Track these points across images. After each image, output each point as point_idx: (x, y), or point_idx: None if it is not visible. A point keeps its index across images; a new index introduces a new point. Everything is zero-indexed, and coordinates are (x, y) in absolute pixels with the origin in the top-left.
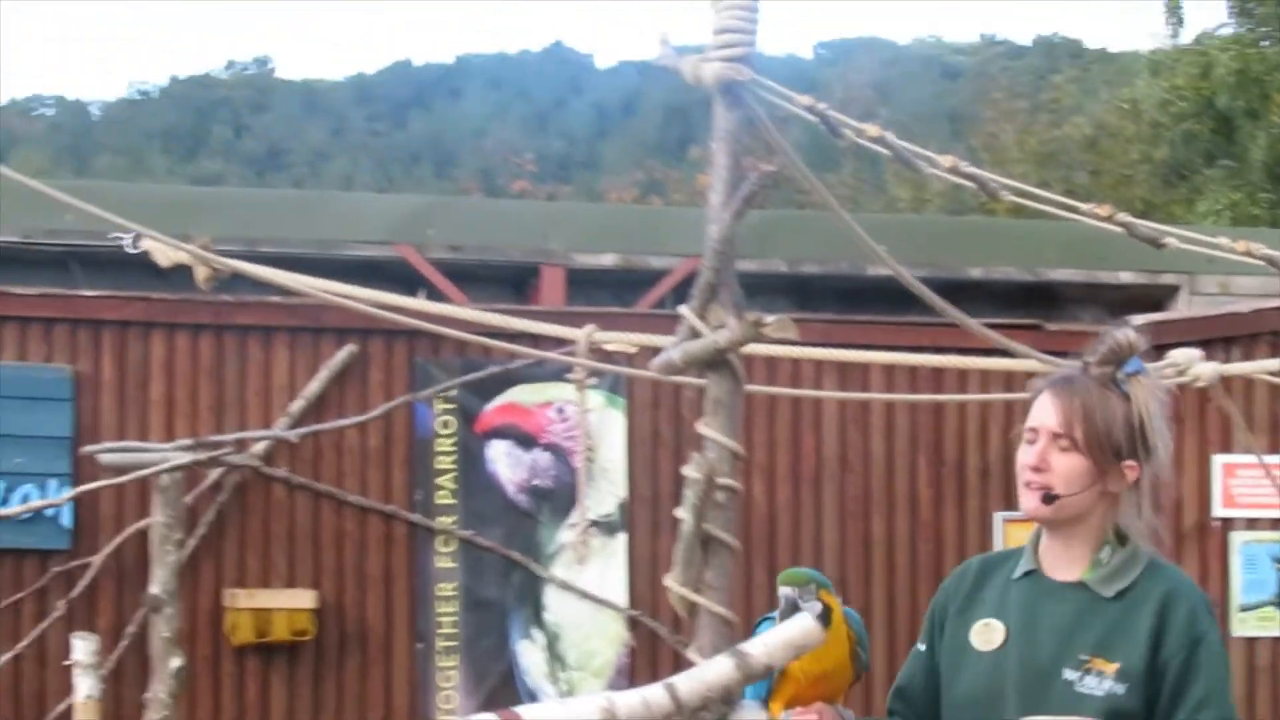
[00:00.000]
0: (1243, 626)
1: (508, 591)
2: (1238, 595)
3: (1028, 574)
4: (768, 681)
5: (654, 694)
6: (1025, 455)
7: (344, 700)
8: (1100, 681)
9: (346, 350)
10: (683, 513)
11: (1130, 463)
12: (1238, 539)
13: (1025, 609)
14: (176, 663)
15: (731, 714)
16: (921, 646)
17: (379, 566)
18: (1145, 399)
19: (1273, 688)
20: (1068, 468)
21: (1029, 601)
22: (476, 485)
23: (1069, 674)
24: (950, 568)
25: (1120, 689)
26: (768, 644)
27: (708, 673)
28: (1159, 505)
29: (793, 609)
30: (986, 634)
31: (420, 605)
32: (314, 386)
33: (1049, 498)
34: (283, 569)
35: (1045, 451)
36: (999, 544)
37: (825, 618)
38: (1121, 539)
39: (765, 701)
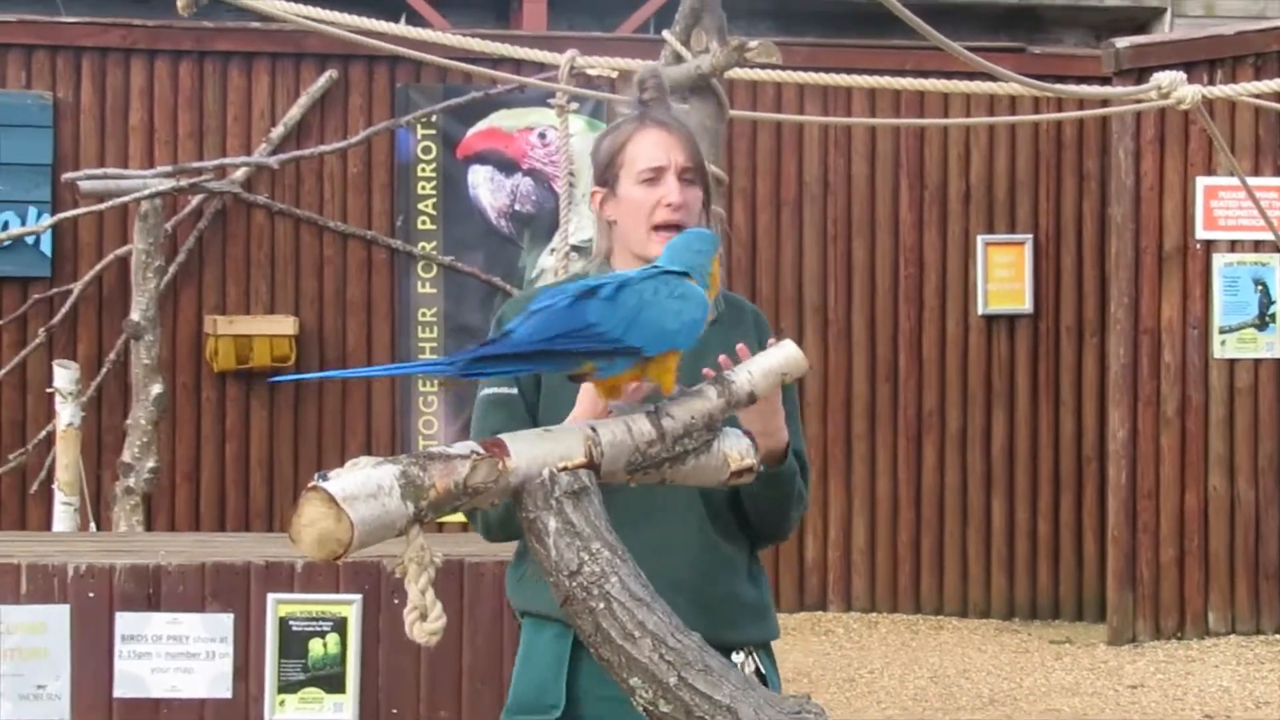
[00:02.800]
0: (1223, 349)
1: (488, 316)
2: (1218, 317)
3: None
4: None
5: (638, 423)
6: (655, 193)
7: (324, 425)
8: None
9: (327, 76)
10: None
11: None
12: (1219, 261)
13: None
14: (157, 389)
15: (716, 440)
16: (510, 390)
17: (360, 292)
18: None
19: (1253, 410)
20: (695, 201)
21: None
22: (457, 210)
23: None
24: (931, 291)
25: None
26: (751, 371)
27: (692, 401)
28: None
29: None
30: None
31: (401, 330)
32: (294, 112)
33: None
34: (264, 295)
35: (679, 188)
36: (980, 266)
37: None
38: None
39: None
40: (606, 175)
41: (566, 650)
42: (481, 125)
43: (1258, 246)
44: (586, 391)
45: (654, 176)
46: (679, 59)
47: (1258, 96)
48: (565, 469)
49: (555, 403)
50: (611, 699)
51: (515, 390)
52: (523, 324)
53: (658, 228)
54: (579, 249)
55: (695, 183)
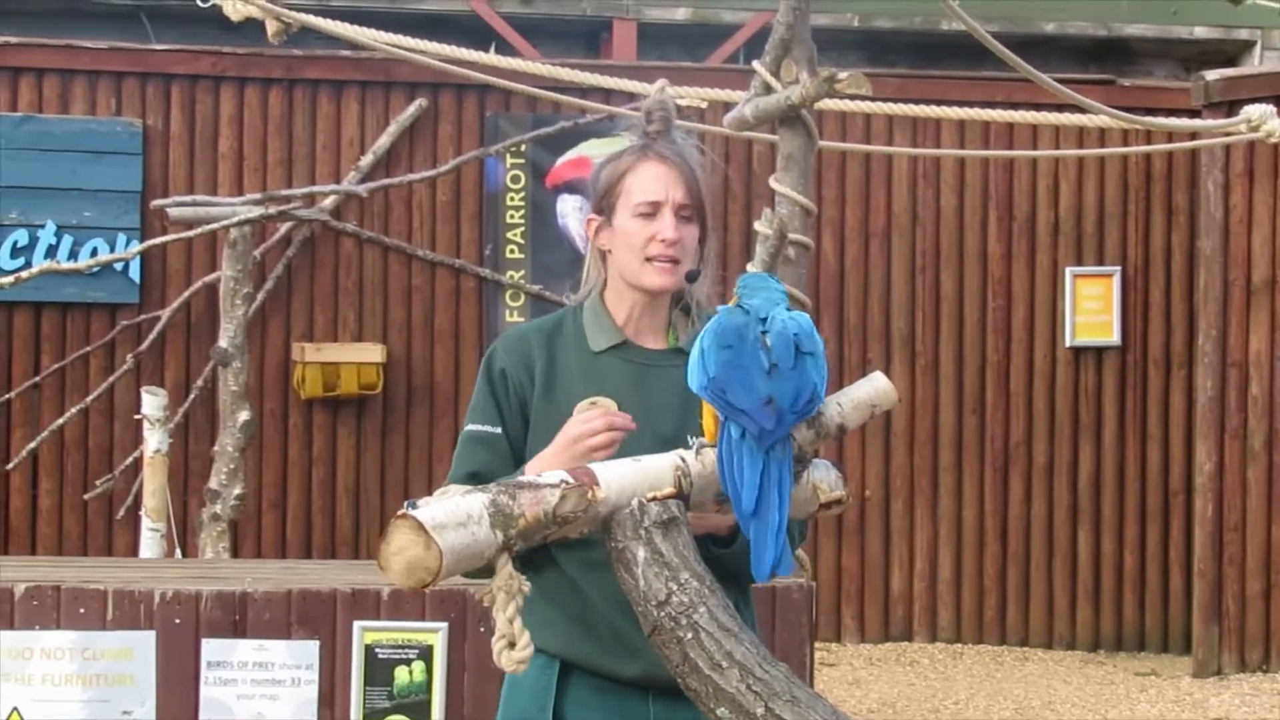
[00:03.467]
0: None
1: None
2: None
3: (616, 346)
4: None
5: None
6: (651, 228)
7: (410, 453)
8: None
9: (416, 104)
10: (754, 268)
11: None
12: None
13: (634, 382)
14: (244, 416)
15: (805, 471)
16: (495, 430)
17: (447, 320)
18: (704, 163)
19: None
20: (691, 239)
21: (635, 374)
22: (545, 239)
23: (692, 441)
24: (1019, 323)
25: None
26: (840, 404)
27: None
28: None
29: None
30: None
31: None
32: (384, 141)
33: (692, 276)
34: (351, 323)
35: (675, 224)
36: (1069, 299)
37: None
38: (675, 296)
39: None
40: (603, 204)
41: (553, 681)
42: (570, 154)
43: None
44: (567, 429)
45: (651, 211)
46: (769, 90)
47: None
48: (655, 499)
49: (545, 440)
50: None
51: (500, 430)
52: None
53: (651, 259)
54: None
55: (692, 219)
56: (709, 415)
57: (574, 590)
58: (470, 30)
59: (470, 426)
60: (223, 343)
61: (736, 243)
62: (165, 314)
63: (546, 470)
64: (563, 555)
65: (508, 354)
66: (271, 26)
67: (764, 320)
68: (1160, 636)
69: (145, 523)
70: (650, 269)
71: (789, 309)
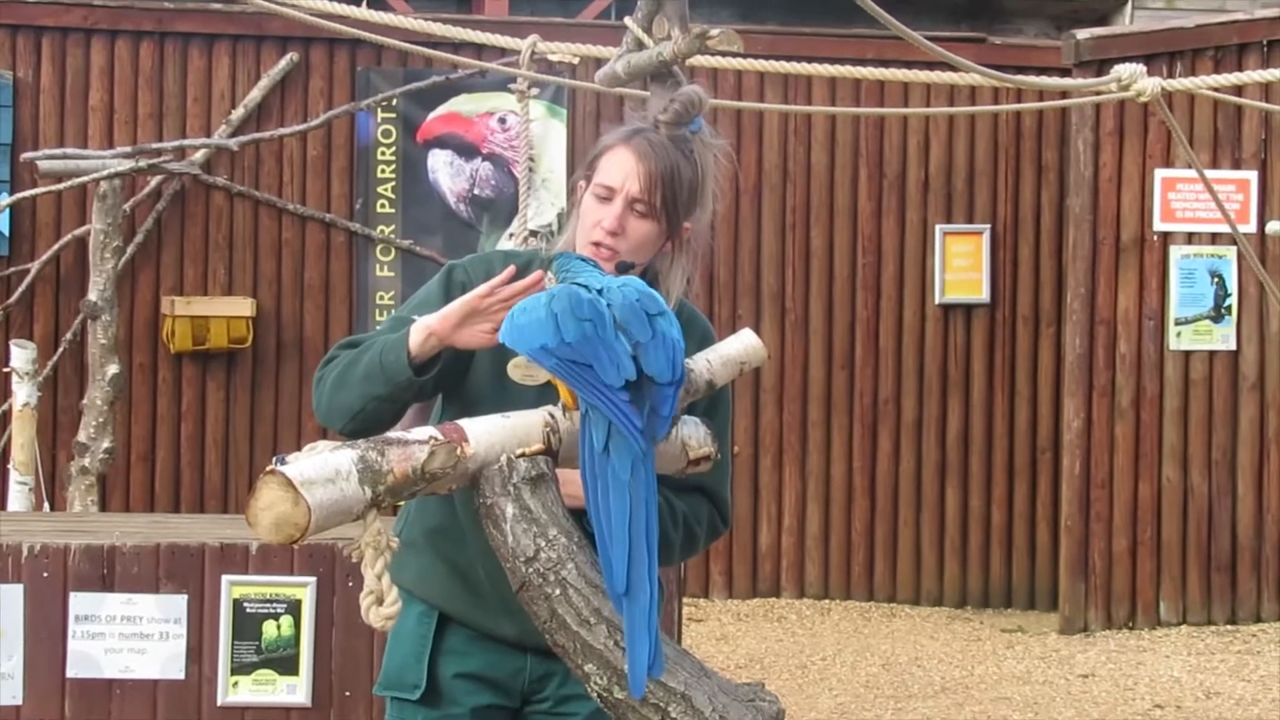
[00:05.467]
0: (1178, 340)
1: None
2: (1174, 308)
3: None
4: None
5: None
6: (600, 213)
7: (280, 407)
8: None
9: (288, 58)
10: None
11: (687, 224)
12: (1176, 253)
13: None
14: (113, 370)
15: (675, 428)
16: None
17: (317, 275)
18: (707, 159)
19: (1207, 401)
20: (642, 234)
21: None
22: (416, 194)
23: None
24: (889, 279)
25: None
26: (709, 360)
27: None
28: (697, 256)
29: None
30: (529, 371)
31: (358, 314)
32: (254, 94)
33: (624, 266)
34: (221, 277)
35: (623, 215)
36: (939, 256)
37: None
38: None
39: None
40: (585, 172)
41: (430, 631)
42: (442, 110)
43: (1214, 239)
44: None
45: (607, 195)
46: (640, 46)
47: (1217, 89)
48: (523, 455)
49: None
50: (470, 677)
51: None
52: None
53: (592, 243)
54: (537, 233)
55: (648, 216)
56: (564, 388)
57: (461, 543)
58: None
59: (402, 314)
60: (92, 296)
61: None
62: (34, 267)
63: (437, 325)
64: (462, 503)
65: (471, 271)
66: None
67: (601, 292)
68: (1027, 593)
69: (13, 476)
70: (589, 251)
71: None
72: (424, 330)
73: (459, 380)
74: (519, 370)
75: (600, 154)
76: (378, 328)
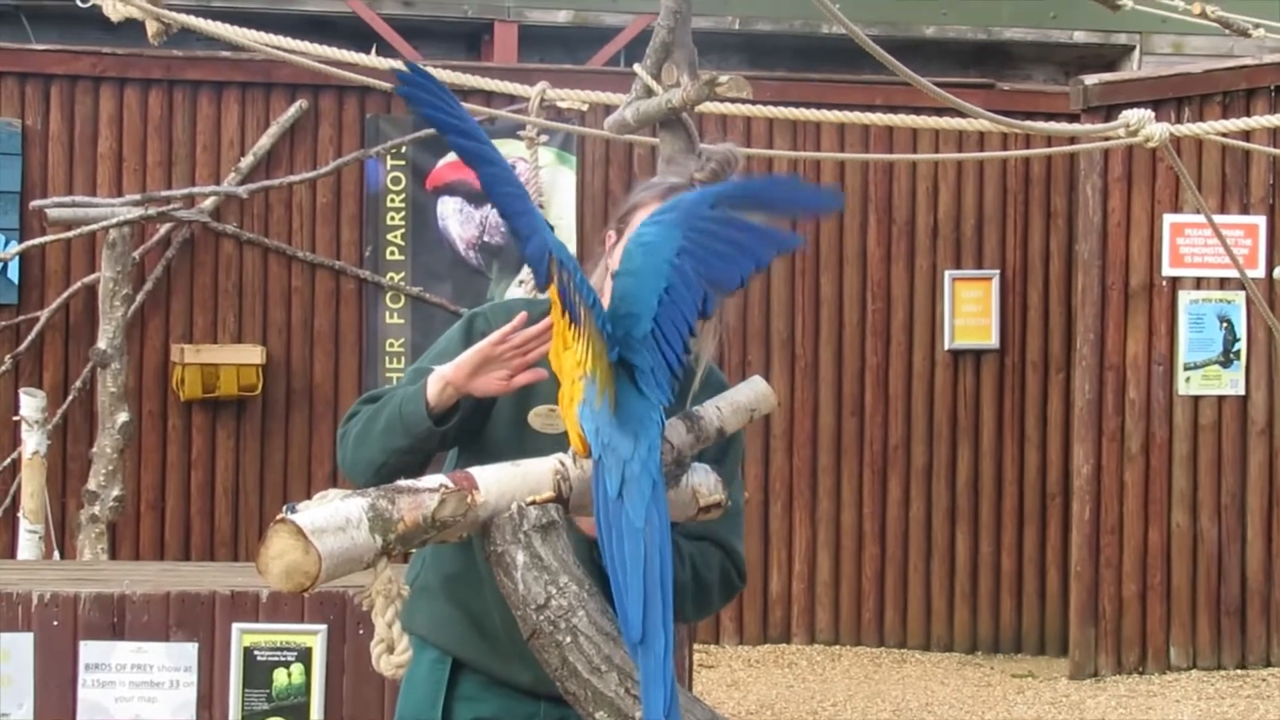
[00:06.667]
0: (1187, 386)
1: None
2: (1183, 354)
3: None
4: None
5: None
6: None
7: (290, 455)
8: None
9: (297, 106)
10: None
11: None
12: (1185, 298)
13: None
14: (123, 418)
15: (685, 475)
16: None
17: (327, 322)
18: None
19: (1216, 446)
20: None
21: None
22: (426, 241)
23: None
24: (898, 325)
25: None
26: (720, 407)
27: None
28: (722, 318)
29: None
30: (550, 420)
31: (368, 361)
32: (264, 142)
33: None
34: (231, 324)
35: None
36: (948, 302)
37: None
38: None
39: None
40: (618, 225)
41: (444, 677)
42: (451, 157)
43: (1223, 284)
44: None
45: None
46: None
47: (1225, 134)
48: (534, 503)
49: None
50: None
51: None
52: None
53: None
54: None
55: None
56: (575, 436)
57: (477, 589)
58: (351, 32)
59: (423, 364)
60: (101, 344)
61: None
62: (44, 315)
63: (452, 375)
64: (479, 548)
65: (492, 318)
66: (151, 27)
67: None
68: (1037, 638)
69: (23, 524)
70: None
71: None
72: (440, 380)
73: (479, 429)
74: (540, 419)
75: (635, 207)
76: (399, 380)
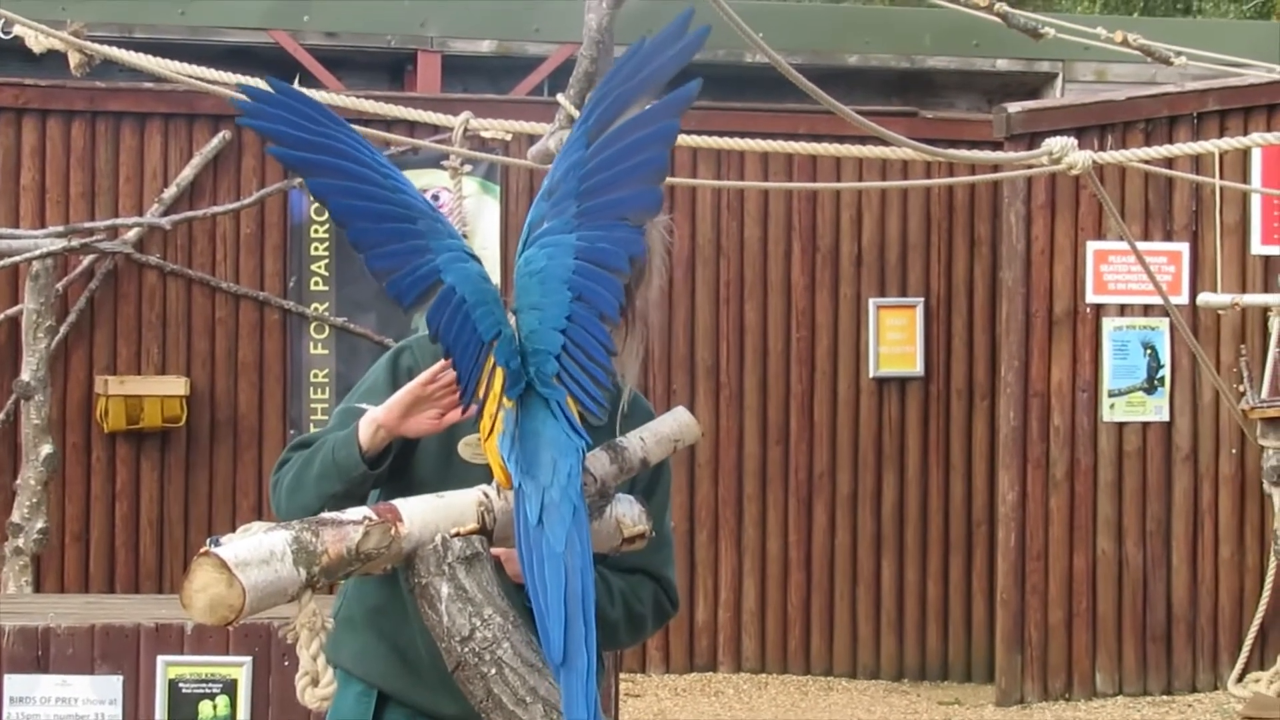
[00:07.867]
0: (1112, 412)
1: None
2: (1108, 380)
3: None
4: None
5: None
6: None
7: (215, 486)
8: None
9: (220, 136)
10: None
11: (639, 303)
12: (1109, 325)
13: None
14: (47, 450)
15: (609, 506)
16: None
17: (252, 353)
18: (652, 234)
19: (1141, 473)
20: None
21: None
22: (350, 272)
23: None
24: (823, 353)
25: None
26: (644, 438)
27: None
28: (647, 332)
29: None
30: (480, 450)
31: (293, 392)
32: (187, 173)
33: None
34: (155, 355)
35: None
36: (873, 329)
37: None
38: None
39: None
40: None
41: (369, 710)
42: None
43: (1147, 310)
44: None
45: None
46: (573, 122)
47: (1147, 162)
48: (458, 534)
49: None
50: None
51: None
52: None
53: None
54: None
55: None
56: (497, 467)
57: (402, 621)
58: (274, 62)
59: (352, 404)
60: (25, 376)
61: None
62: None
63: (384, 418)
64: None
65: (420, 355)
66: (74, 59)
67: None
68: (964, 665)
69: None
70: None
71: None
72: (372, 424)
73: (404, 463)
74: (469, 449)
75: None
76: (327, 421)
